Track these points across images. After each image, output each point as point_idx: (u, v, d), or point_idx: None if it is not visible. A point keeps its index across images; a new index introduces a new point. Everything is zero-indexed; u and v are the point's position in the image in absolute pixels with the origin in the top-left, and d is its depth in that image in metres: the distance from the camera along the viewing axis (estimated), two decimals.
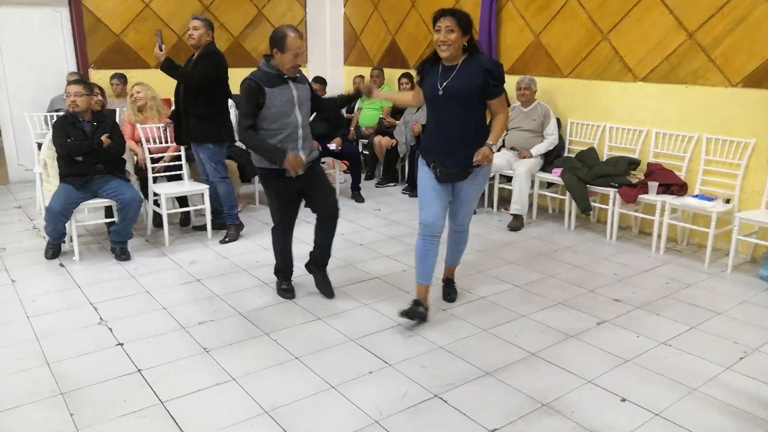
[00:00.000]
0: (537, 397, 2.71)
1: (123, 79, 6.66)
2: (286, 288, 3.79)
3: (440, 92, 3.15)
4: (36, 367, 2.91)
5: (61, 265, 4.27)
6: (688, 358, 3.07)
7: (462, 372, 2.91)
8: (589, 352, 3.12)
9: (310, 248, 3.79)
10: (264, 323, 3.40)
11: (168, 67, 4.45)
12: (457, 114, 3.16)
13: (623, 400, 2.69)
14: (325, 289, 3.76)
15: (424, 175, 3.34)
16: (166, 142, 5.03)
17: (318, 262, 3.80)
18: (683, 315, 3.56)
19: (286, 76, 3.42)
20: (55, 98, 6.33)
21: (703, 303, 3.74)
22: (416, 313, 3.34)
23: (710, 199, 4.48)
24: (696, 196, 4.60)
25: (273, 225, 3.71)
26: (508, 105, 3.32)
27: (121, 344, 3.14)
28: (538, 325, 3.43)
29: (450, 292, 3.75)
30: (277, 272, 3.85)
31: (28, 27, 6.59)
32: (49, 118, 5.48)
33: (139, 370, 2.89)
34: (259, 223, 5.35)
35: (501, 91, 3.20)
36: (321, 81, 6.63)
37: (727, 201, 4.46)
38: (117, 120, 5.46)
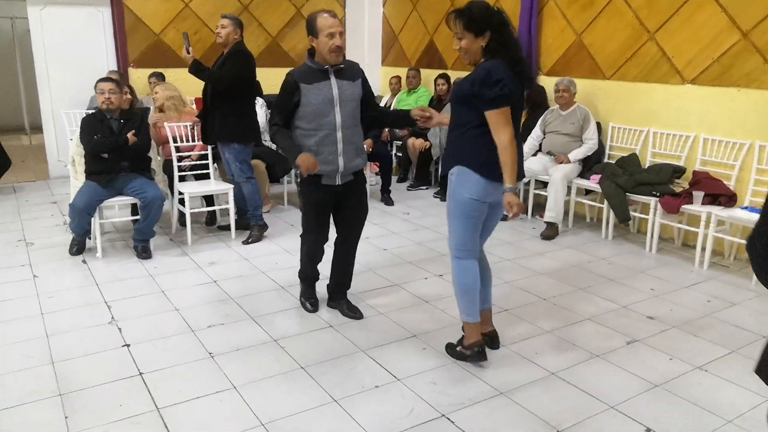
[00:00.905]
0: (552, 422, 2.51)
1: (161, 77, 6.72)
2: (311, 301, 3.54)
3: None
4: (41, 366, 2.88)
5: (84, 261, 4.29)
6: (725, 385, 2.80)
7: (474, 391, 2.73)
8: (615, 374, 2.88)
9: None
10: (274, 329, 3.29)
11: (196, 69, 4.42)
12: (453, 122, 2.85)
13: (648, 430, 2.46)
14: (356, 314, 3.45)
15: None
16: (194, 140, 5.01)
17: (340, 289, 3.54)
18: (724, 337, 3.28)
19: (326, 68, 3.11)
20: (95, 96, 6.43)
21: (748, 324, 3.43)
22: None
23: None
24: (746, 207, 4.27)
25: (302, 231, 3.48)
26: (517, 123, 2.75)
27: (128, 345, 3.09)
28: (562, 342, 3.21)
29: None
30: (302, 278, 3.59)
31: (71, 26, 6.74)
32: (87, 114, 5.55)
33: (140, 374, 2.83)
34: (284, 224, 5.28)
35: (487, 103, 2.60)
36: None
37: None
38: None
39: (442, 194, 6.23)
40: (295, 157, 3.08)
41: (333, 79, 3.14)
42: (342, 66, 3.16)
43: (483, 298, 3.01)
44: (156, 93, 5.08)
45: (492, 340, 3.09)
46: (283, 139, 3.17)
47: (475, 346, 2.91)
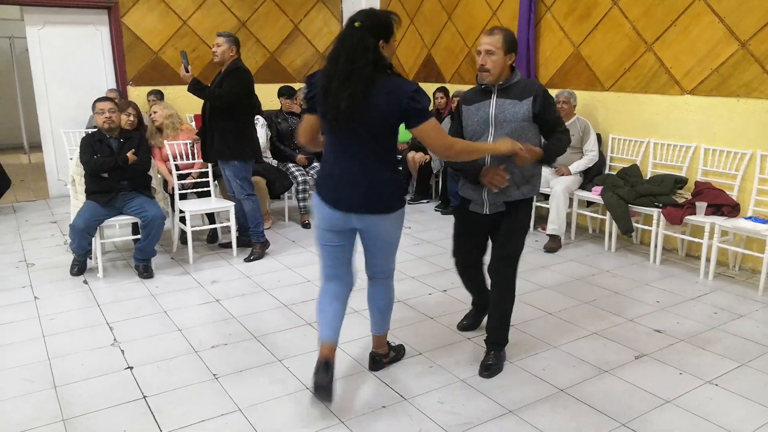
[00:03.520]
0: None
1: (160, 95, 6.74)
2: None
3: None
4: (43, 390, 2.84)
5: (85, 282, 4.25)
6: (736, 400, 2.77)
7: (482, 410, 2.69)
8: (625, 391, 2.85)
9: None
10: (278, 348, 3.26)
11: (195, 88, 4.40)
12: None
13: None
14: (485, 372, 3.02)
15: None
16: (194, 158, 5.00)
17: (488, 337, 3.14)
18: (732, 350, 3.25)
19: (489, 86, 2.89)
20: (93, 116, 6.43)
21: (756, 336, 3.41)
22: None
23: (765, 222, 4.13)
24: (749, 218, 4.25)
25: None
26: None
27: (131, 368, 3.05)
28: (569, 357, 3.17)
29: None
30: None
31: (70, 45, 6.75)
32: (86, 133, 5.53)
33: (144, 397, 2.79)
34: (286, 240, 5.26)
35: None
36: None
37: None
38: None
39: (443, 207, 6.22)
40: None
41: (494, 99, 2.90)
42: (507, 85, 2.89)
43: None
44: (155, 113, 5.07)
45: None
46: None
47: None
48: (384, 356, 3.06)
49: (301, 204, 5.74)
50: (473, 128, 2.94)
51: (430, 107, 6.87)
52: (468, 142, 2.86)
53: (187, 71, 4.38)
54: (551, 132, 2.93)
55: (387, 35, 2.51)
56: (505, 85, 2.89)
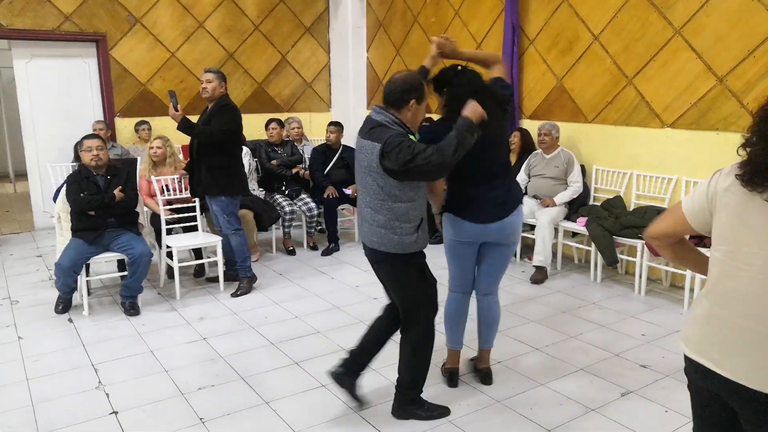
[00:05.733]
0: None
1: (148, 125, 6.77)
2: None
3: None
4: None
5: (70, 320, 4.22)
6: None
7: None
8: (611, 430, 2.87)
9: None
10: (265, 390, 3.24)
11: (185, 126, 4.42)
12: None
13: None
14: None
15: None
16: (181, 192, 5.00)
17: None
18: None
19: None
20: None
21: None
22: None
23: None
24: None
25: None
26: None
27: (116, 413, 3.02)
28: (556, 395, 3.19)
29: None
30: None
31: (57, 78, 6.75)
32: (71, 167, 5.53)
33: None
34: (273, 273, 5.25)
35: None
36: (337, 125, 6.44)
37: None
38: (138, 168, 5.49)
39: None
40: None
41: None
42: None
43: (481, 338, 3.30)
44: (159, 149, 5.06)
45: (485, 376, 3.32)
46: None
47: (446, 371, 3.30)
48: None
49: (286, 230, 5.78)
50: None
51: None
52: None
53: (177, 110, 4.40)
54: None
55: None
56: None
